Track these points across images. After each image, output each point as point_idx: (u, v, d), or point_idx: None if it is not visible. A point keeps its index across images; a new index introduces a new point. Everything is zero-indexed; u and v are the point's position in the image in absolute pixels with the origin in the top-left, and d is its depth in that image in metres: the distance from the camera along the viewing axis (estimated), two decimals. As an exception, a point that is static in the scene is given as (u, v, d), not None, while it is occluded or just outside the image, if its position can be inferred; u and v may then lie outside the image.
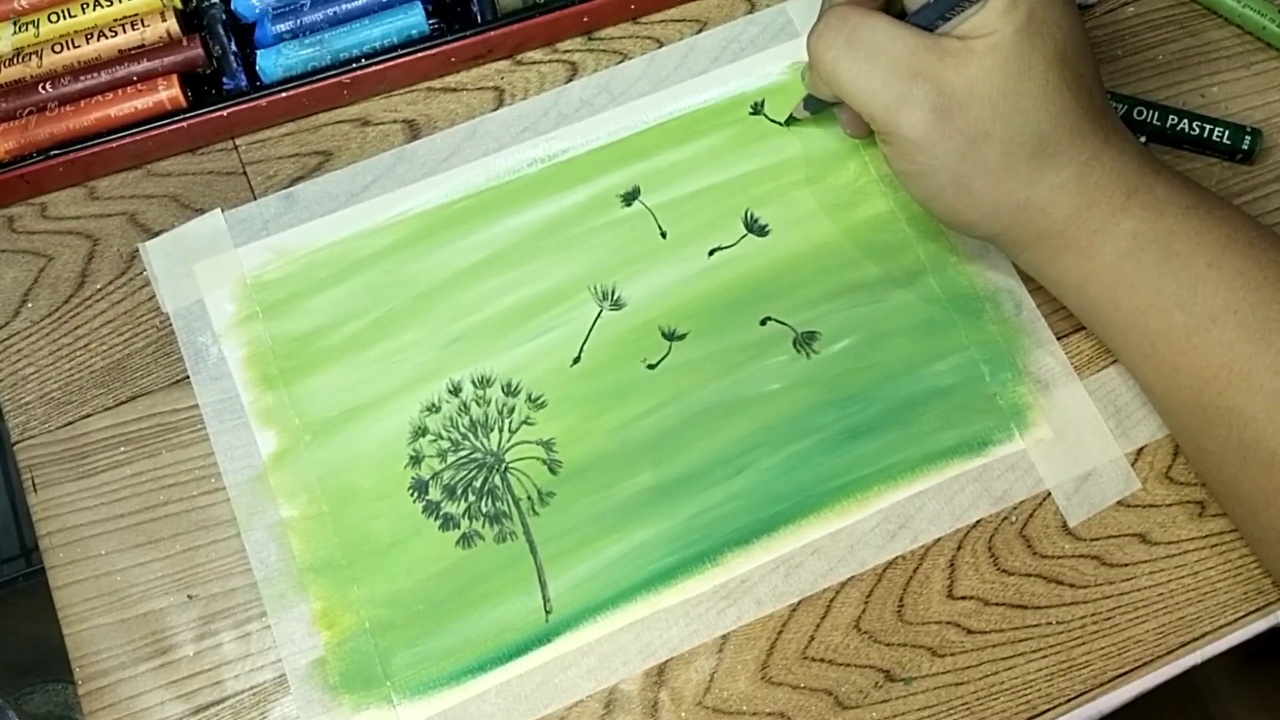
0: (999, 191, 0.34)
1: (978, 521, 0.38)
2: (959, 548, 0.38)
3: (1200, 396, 0.34)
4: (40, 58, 0.41)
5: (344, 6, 0.42)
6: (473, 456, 0.39)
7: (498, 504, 0.38)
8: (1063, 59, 0.33)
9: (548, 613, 0.37)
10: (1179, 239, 0.34)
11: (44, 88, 0.40)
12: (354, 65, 0.41)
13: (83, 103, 0.40)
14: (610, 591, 0.37)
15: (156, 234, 0.41)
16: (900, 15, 0.35)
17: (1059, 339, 0.40)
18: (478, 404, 0.39)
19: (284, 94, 0.41)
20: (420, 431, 0.39)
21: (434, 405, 0.39)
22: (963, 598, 0.38)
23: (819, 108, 0.41)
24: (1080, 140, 0.34)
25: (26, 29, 0.41)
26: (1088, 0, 0.45)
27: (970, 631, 0.37)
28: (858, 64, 0.34)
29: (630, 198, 0.42)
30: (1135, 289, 0.34)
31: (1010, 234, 0.35)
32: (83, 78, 0.40)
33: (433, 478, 0.38)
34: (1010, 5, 0.32)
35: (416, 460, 0.39)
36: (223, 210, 0.41)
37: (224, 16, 0.42)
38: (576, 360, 0.40)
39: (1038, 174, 0.34)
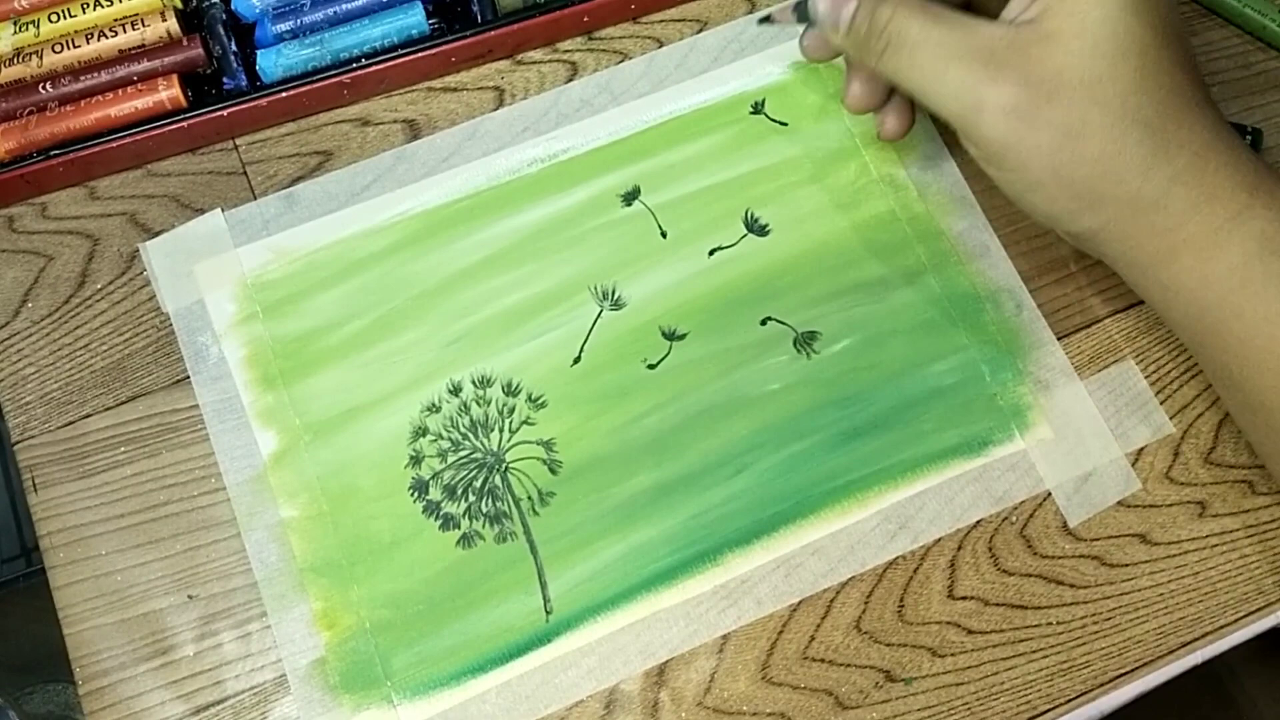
0: (1106, 182, 0.31)
1: (978, 522, 0.38)
2: (959, 548, 0.38)
3: None
4: (40, 58, 0.41)
5: (344, 6, 0.42)
6: (473, 456, 0.39)
7: (498, 504, 0.38)
8: (1160, 37, 0.30)
9: (548, 613, 0.37)
10: None
11: (44, 88, 0.40)
12: (354, 65, 0.41)
13: (83, 103, 0.40)
14: (610, 592, 0.37)
15: (157, 234, 0.41)
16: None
17: (1059, 339, 0.40)
18: (478, 404, 0.39)
19: (284, 94, 0.41)
20: (420, 431, 0.39)
21: (434, 405, 0.39)
22: (963, 598, 0.38)
23: (807, 20, 0.37)
24: (1190, 128, 0.31)
25: (26, 29, 0.41)
26: None
27: (970, 632, 0.37)
28: (927, 78, 0.32)
29: (630, 197, 0.42)
30: (1264, 297, 0.31)
31: (1115, 228, 0.32)
32: (83, 78, 0.40)
33: (433, 478, 0.38)
34: None
35: (417, 460, 0.39)
36: (223, 210, 0.41)
37: (224, 16, 0.42)
38: (577, 360, 0.40)
39: (1149, 162, 0.31)
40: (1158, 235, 0.32)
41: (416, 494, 0.38)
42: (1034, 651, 0.37)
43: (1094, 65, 0.30)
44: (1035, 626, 0.38)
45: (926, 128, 0.43)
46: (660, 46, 0.44)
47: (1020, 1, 0.32)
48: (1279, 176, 0.32)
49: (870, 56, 0.33)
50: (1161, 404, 0.40)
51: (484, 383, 0.39)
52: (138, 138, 0.40)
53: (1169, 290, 0.33)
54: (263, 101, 0.41)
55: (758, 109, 0.43)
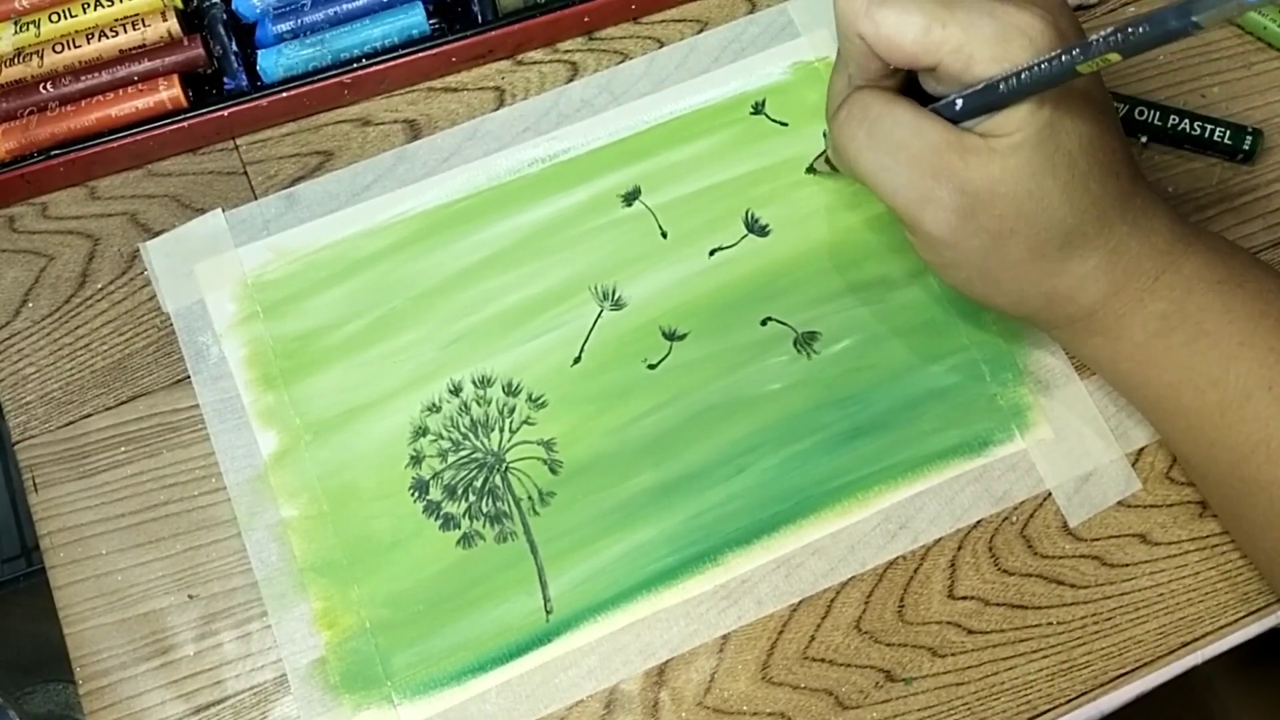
0: (1025, 282, 0.33)
1: (978, 522, 0.38)
2: (959, 548, 0.38)
3: (1239, 470, 0.34)
4: (41, 58, 0.41)
5: (345, 6, 0.42)
6: (473, 456, 0.39)
7: (498, 504, 0.38)
8: (1087, 151, 0.32)
9: (548, 613, 0.37)
10: (1209, 317, 0.33)
11: (45, 88, 0.40)
12: (355, 65, 0.41)
13: (84, 102, 0.40)
14: (611, 591, 0.37)
15: (157, 234, 0.41)
16: (920, 94, 0.34)
17: (1059, 339, 0.40)
18: (478, 404, 0.39)
19: (285, 94, 0.41)
20: (421, 431, 0.39)
21: (434, 405, 0.39)
22: (963, 598, 0.38)
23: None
24: (1108, 229, 0.33)
25: (27, 29, 0.41)
26: (1088, 1, 0.45)
27: (971, 632, 0.37)
28: (880, 158, 0.33)
29: (631, 198, 0.42)
30: (1165, 368, 0.34)
31: (1039, 317, 0.35)
32: (84, 78, 0.40)
33: (433, 478, 0.38)
34: (1033, 107, 0.31)
35: (417, 460, 0.39)
36: (223, 210, 0.41)
37: (225, 16, 0.42)
38: (577, 360, 0.40)
39: (1064, 265, 0.33)
40: (1072, 322, 0.35)
41: (417, 494, 0.38)
42: (1034, 651, 0.37)
43: (1024, 181, 0.31)
44: (1035, 626, 0.38)
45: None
46: (661, 47, 0.44)
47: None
48: (1193, 249, 0.34)
49: (843, 136, 0.34)
50: (1162, 404, 0.40)
51: (484, 383, 0.39)
52: (138, 138, 0.40)
53: (1090, 362, 0.37)
54: (263, 101, 0.41)
55: (758, 109, 0.43)
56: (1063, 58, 0.29)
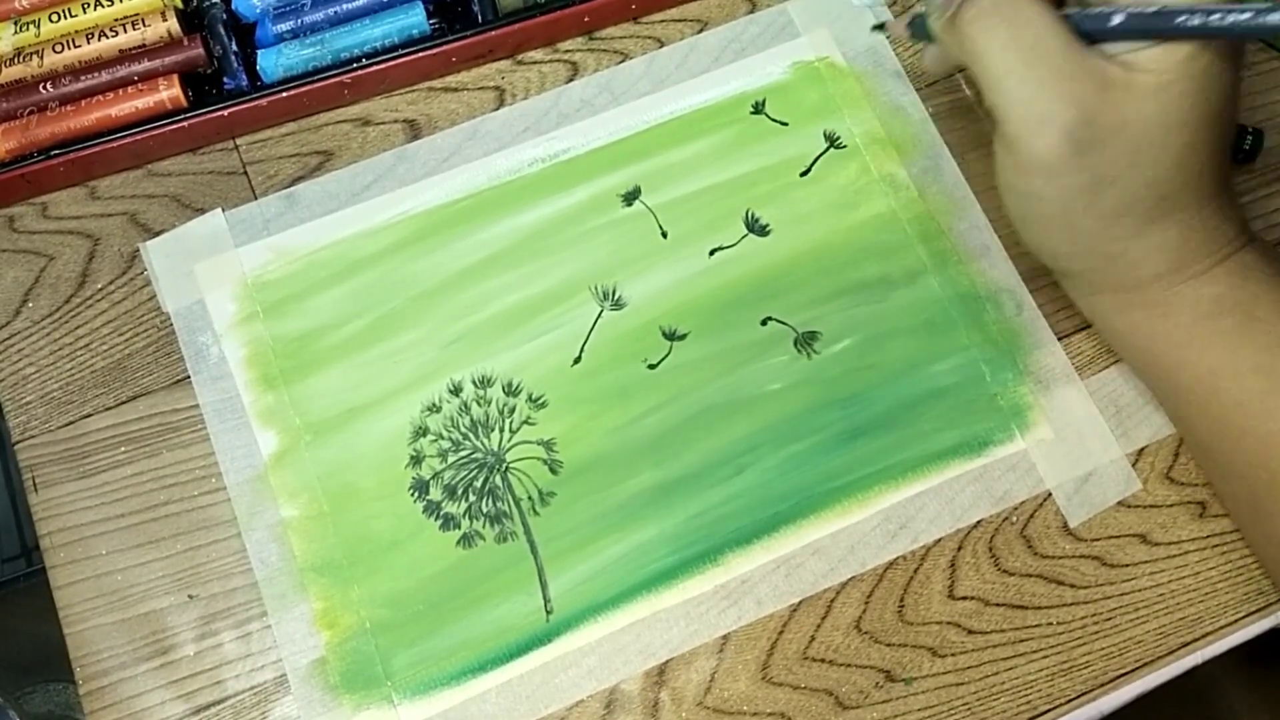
0: (1100, 237, 0.32)
1: (978, 522, 0.38)
2: (960, 548, 0.38)
3: (1269, 461, 0.33)
4: (41, 57, 0.41)
5: (345, 6, 0.42)
6: (473, 456, 0.39)
7: (498, 504, 0.38)
8: (1214, 123, 0.31)
9: (548, 613, 0.37)
10: (1262, 304, 0.33)
11: (45, 87, 0.40)
12: (355, 65, 0.41)
13: (84, 102, 0.40)
14: (611, 591, 0.37)
15: (157, 234, 0.41)
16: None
17: (1060, 339, 0.40)
18: (478, 404, 0.39)
19: (285, 94, 0.41)
20: (421, 431, 0.39)
21: (435, 405, 0.39)
22: (963, 598, 0.38)
23: (924, 38, 0.35)
24: (1196, 205, 0.32)
25: (27, 29, 0.41)
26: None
27: (971, 632, 0.37)
28: (1011, 63, 0.30)
29: (631, 197, 0.42)
30: (1209, 351, 0.34)
31: (1087, 276, 0.34)
32: (84, 77, 0.40)
33: (433, 478, 0.38)
34: (1194, 53, 0.29)
35: (417, 460, 0.39)
36: (223, 210, 0.41)
37: (225, 16, 0.42)
38: (577, 360, 0.40)
39: (1144, 229, 0.32)
40: (1120, 290, 0.34)
41: (417, 494, 0.38)
42: (1034, 651, 0.37)
43: (1151, 130, 0.30)
44: (1035, 626, 0.38)
45: (927, 128, 0.43)
46: (661, 46, 0.44)
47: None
48: (1254, 240, 0.34)
49: (976, 26, 0.31)
50: (1162, 404, 0.40)
51: (484, 383, 0.39)
52: (138, 138, 0.40)
53: (1120, 336, 0.36)
54: (263, 101, 0.41)
55: (758, 109, 0.43)
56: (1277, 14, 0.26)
